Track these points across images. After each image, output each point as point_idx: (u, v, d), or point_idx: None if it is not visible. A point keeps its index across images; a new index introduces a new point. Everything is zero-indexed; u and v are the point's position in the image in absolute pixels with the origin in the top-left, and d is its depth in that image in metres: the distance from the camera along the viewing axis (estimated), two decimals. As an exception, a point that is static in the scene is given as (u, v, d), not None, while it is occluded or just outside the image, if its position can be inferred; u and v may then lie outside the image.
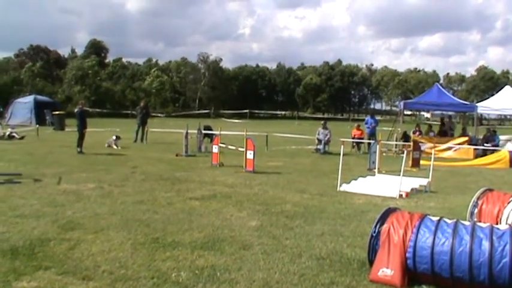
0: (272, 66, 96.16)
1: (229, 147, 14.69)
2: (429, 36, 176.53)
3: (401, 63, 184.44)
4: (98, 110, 51.36)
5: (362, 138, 21.04)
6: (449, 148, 19.86)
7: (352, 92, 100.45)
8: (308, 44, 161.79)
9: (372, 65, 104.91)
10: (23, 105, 36.13)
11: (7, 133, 22.77)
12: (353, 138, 21.12)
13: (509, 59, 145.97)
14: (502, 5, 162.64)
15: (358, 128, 21.64)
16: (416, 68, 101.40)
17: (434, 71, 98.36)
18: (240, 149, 13.84)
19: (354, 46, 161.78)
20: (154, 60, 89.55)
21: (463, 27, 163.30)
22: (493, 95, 26.85)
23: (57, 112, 32.23)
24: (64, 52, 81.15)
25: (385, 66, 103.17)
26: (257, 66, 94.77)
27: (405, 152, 12.15)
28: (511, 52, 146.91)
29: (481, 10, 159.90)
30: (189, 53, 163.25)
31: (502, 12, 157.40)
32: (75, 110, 18.15)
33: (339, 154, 11.36)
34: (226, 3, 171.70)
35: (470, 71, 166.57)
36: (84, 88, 62.58)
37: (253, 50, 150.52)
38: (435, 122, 32.47)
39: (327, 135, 19.83)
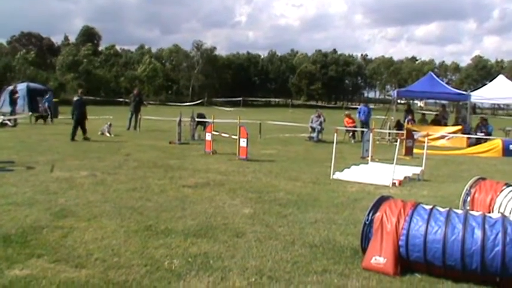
0: (265, 53, 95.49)
1: (223, 134, 14.67)
2: (425, 25, 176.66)
3: (397, 52, 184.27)
4: (91, 97, 50.84)
5: (354, 127, 21.03)
6: (442, 137, 19.94)
7: (347, 81, 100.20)
8: (305, 32, 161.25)
9: (367, 55, 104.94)
10: (16, 93, 35.67)
11: (-1, 120, 22.59)
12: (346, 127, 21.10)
13: (505, 48, 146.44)
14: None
15: (349, 117, 21.52)
16: (414, 57, 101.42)
17: (432, 60, 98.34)
18: (233, 136, 13.82)
19: (350, 34, 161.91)
20: (146, 47, 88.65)
21: (459, 16, 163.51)
22: (485, 84, 26.86)
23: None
24: (57, 39, 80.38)
25: (382, 56, 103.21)
26: (248, 53, 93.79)
27: (398, 140, 12.17)
28: (506, 41, 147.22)
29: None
30: (184, 40, 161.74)
31: (499, 2, 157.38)
32: (74, 99, 18.03)
33: (332, 142, 11.37)
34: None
35: (465, 60, 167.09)
36: (78, 75, 62.08)
37: (249, 37, 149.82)
38: (428, 112, 32.46)
39: (320, 123, 19.83)
